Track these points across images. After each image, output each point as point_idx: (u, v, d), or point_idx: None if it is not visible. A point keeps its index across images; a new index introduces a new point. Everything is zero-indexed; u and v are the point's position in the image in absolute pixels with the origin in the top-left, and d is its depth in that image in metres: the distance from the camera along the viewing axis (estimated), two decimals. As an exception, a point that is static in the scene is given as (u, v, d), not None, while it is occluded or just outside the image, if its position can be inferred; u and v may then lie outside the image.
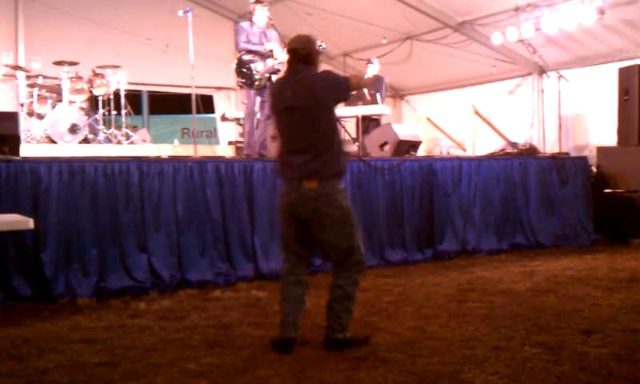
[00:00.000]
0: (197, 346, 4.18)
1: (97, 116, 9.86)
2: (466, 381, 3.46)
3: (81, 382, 3.58)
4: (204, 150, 9.41)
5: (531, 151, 9.59)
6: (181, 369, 3.73)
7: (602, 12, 8.77)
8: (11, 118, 6.65)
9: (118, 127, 10.04)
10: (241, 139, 9.59)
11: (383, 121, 10.22)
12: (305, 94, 4.03)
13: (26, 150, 7.59)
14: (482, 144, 10.88)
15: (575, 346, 4.03)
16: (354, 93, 4.60)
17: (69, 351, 4.09)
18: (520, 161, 8.65)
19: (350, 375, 3.56)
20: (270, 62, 7.99)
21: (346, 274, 4.07)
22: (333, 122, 4.13)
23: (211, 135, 14.32)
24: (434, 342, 4.16)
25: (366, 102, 9.52)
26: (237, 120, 10.38)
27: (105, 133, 9.76)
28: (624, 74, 9.13)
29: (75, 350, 4.11)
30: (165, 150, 9.54)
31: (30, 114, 9.56)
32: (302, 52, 4.11)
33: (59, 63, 9.57)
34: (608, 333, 4.29)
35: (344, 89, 4.12)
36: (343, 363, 3.75)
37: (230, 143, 10.95)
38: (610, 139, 9.52)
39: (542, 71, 10.50)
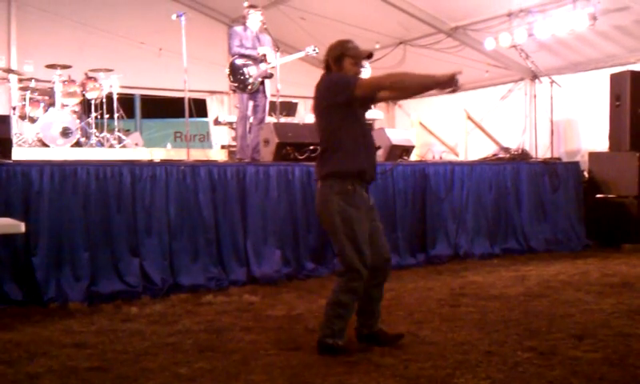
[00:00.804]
0: (188, 351, 4.17)
1: (89, 119, 9.85)
2: (458, 385, 3.47)
3: (72, 386, 3.57)
4: (197, 154, 9.40)
5: (523, 156, 9.63)
6: (172, 373, 3.72)
7: (594, 18, 8.80)
8: (3, 121, 6.61)
9: (111, 131, 10.03)
10: (234, 143, 9.59)
11: (376, 125, 10.24)
12: (314, 100, 4.18)
13: (18, 154, 7.57)
14: (474, 149, 10.92)
15: (567, 350, 4.03)
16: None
17: (60, 356, 4.07)
18: (512, 166, 8.67)
19: (343, 380, 3.55)
20: (262, 66, 8.01)
21: (339, 279, 4.07)
22: (331, 123, 4.05)
23: (204, 139, 14.30)
24: (427, 347, 4.16)
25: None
26: (230, 124, 10.38)
27: (97, 136, 9.75)
28: (615, 79, 9.17)
29: (66, 355, 4.09)
30: (157, 154, 9.53)
31: (22, 117, 9.54)
32: (324, 58, 4.18)
33: (52, 66, 9.56)
34: (600, 337, 4.30)
35: (341, 90, 4.00)
36: (336, 368, 3.74)
37: (223, 147, 10.95)
38: (602, 145, 9.56)
39: (534, 76, 10.53)
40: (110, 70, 10.11)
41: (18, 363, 3.93)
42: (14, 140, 8.25)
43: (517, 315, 4.99)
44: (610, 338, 4.30)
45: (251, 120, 8.22)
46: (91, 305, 5.52)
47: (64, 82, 9.58)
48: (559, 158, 9.81)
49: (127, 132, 10.93)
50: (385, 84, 4.08)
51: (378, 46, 11.37)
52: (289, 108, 10.66)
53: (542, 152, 10.30)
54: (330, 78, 4.12)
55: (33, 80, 9.64)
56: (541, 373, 3.62)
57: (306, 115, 11.70)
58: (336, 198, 4.00)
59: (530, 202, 8.62)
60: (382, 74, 4.12)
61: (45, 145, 9.09)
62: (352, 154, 4.03)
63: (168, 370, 3.77)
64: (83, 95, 9.80)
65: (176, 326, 4.84)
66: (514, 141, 10.85)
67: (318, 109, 4.15)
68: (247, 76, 7.95)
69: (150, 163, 6.73)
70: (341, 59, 4.10)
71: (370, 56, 4.17)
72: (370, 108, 4.37)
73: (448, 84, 3.93)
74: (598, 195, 9.15)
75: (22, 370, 3.80)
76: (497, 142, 10.81)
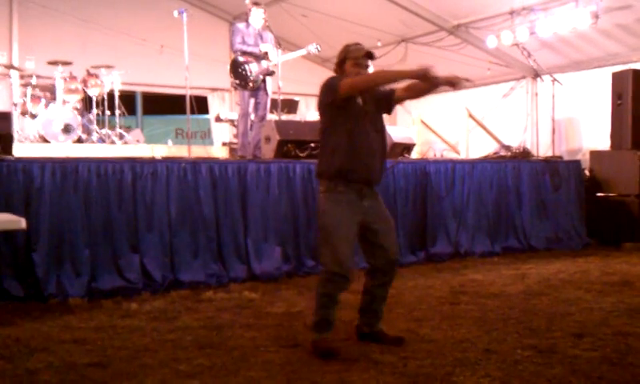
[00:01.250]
0: (188, 347, 4.18)
1: (90, 116, 9.83)
2: (457, 383, 3.47)
3: (71, 382, 3.57)
4: (198, 151, 9.40)
5: (524, 154, 9.62)
6: (172, 370, 3.72)
7: (596, 16, 8.80)
8: (4, 117, 6.62)
9: (112, 127, 10.02)
10: (235, 140, 9.59)
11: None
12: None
13: (19, 150, 7.55)
14: (475, 147, 10.91)
15: (566, 349, 4.04)
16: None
17: (59, 351, 4.08)
18: (513, 164, 8.67)
19: (342, 377, 3.56)
20: (264, 63, 8.01)
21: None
22: (323, 124, 4.18)
23: (205, 136, 14.29)
24: (426, 345, 4.16)
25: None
26: (231, 121, 10.38)
27: (98, 133, 9.74)
28: (617, 78, 9.16)
29: (66, 351, 4.10)
30: (158, 151, 9.51)
31: (24, 113, 9.54)
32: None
33: (53, 63, 9.54)
34: (599, 336, 4.30)
35: (328, 91, 4.07)
36: (334, 365, 3.75)
37: (224, 144, 10.94)
38: (603, 143, 9.56)
39: (536, 75, 10.51)
40: (112, 67, 10.10)
41: (18, 358, 3.94)
42: (15, 136, 8.26)
43: (516, 313, 4.99)
44: (609, 336, 4.30)
45: (252, 117, 8.23)
46: (91, 301, 5.53)
47: (65, 78, 9.57)
48: (560, 157, 9.79)
49: (128, 129, 10.92)
50: (360, 83, 4.08)
51: (379, 44, 11.38)
52: (290, 105, 10.65)
53: (543, 150, 10.29)
54: (325, 81, 4.19)
55: (34, 76, 9.63)
56: (540, 371, 3.62)
57: (307, 113, 11.70)
58: (322, 196, 4.11)
59: (530, 200, 8.62)
60: (360, 75, 4.13)
61: (46, 141, 9.09)
62: (333, 154, 4.06)
63: (167, 367, 3.77)
64: (84, 92, 9.79)
65: (176, 322, 4.85)
66: (516, 139, 10.83)
67: (318, 110, 4.27)
68: (249, 73, 7.95)
69: (151, 160, 6.73)
70: (343, 62, 4.19)
71: (369, 55, 4.16)
72: (388, 111, 4.32)
73: (424, 77, 3.91)
74: (599, 194, 9.15)
75: (22, 365, 3.81)
76: (498, 141, 10.79)
